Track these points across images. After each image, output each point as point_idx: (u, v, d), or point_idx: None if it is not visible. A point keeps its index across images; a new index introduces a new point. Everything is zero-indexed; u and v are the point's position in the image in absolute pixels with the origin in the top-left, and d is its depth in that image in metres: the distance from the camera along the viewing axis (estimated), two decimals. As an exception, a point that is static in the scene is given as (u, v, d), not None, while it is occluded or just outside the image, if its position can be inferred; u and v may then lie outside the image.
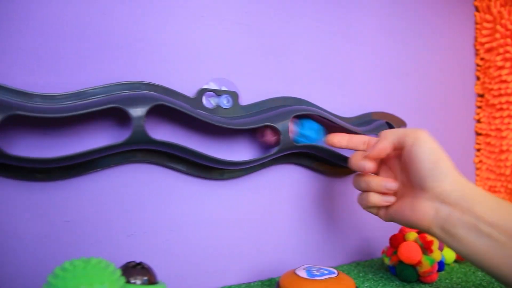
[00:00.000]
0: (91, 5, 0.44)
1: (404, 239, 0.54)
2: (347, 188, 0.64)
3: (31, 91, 0.41)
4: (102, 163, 0.44)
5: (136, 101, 0.41)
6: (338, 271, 0.44)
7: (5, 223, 0.41)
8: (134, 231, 0.48)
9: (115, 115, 0.45)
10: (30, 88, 0.41)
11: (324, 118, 0.55)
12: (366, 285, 0.52)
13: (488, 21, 0.82)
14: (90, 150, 0.39)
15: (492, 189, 0.81)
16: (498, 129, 0.79)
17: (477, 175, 0.83)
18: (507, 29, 0.77)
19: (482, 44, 0.83)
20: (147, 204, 0.48)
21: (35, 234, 0.42)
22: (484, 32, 0.82)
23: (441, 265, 0.54)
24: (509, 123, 0.77)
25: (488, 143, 0.82)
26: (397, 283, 0.53)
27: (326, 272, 0.43)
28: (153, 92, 0.45)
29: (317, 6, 0.61)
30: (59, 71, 0.43)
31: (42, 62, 0.42)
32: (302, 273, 0.43)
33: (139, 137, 0.41)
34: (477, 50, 0.84)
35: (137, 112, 0.40)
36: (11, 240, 0.41)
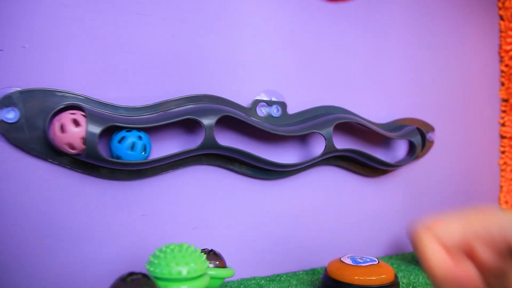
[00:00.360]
0: (163, 30, 0.52)
1: (435, 234, 0.60)
2: (379, 188, 0.70)
3: (117, 104, 0.49)
4: (172, 166, 0.52)
5: (207, 112, 0.48)
6: (378, 259, 0.50)
7: (94, 217, 0.48)
8: (198, 225, 0.55)
9: (183, 124, 0.53)
10: (115, 101, 0.49)
11: (362, 124, 0.62)
12: (400, 275, 0.58)
13: (512, 30, 0.86)
14: (172, 154, 0.47)
15: (516, 189, 0.86)
16: (522, 133, 0.84)
17: (502, 176, 0.88)
18: (530, 38, 0.82)
19: (507, 51, 0.87)
20: (208, 201, 0.55)
21: (118, 226, 0.50)
22: (509, 40, 0.87)
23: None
24: (532, 127, 0.82)
25: (512, 146, 0.86)
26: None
27: (368, 260, 0.50)
28: (216, 105, 0.52)
29: (352, 25, 0.67)
30: (137, 87, 0.51)
31: (124, 79, 0.50)
32: (347, 261, 0.50)
33: (210, 143, 0.48)
34: (501, 57, 0.89)
35: (208, 121, 0.48)
36: (98, 231, 0.49)
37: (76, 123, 0.43)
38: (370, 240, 0.69)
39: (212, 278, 0.42)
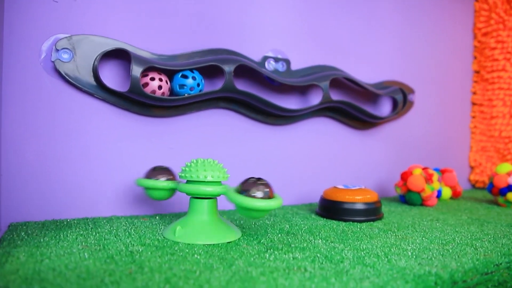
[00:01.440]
0: (190, -8, 0.61)
1: (411, 174, 0.71)
2: (368, 138, 0.81)
3: (153, 52, 0.58)
4: (196, 107, 0.62)
5: (227, 61, 0.58)
6: (365, 186, 0.61)
7: (130, 146, 0.58)
8: (215, 159, 0.65)
9: (205, 73, 0.62)
10: (152, 51, 0.58)
11: (353, 81, 0.72)
12: (383, 207, 0.70)
13: (485, 10, 0.98)
14: (198, 94, 0.57)
15: (484, 149, 0.98)
16: (490, 99, 0.96)
17: (472, 138, 1.00)
18: (500, 17, 0.94)
19: (479, 29, 0.99)
20: (224, 139, 0.65)
21: (149, 156, 0.60)
22: (481, 19, 0.99)
23: (439, 192, 0.71)
24: (498, 94, 0.94)
25: (482, 111, 0.98)
26: (406, 206, 0.71)
27: (357, 186, 0.61)
28: (234, 56, 0.62)
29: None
30: (169, 39, 0.60)
31: (158, 33, 0.59)
32: (340, 186, 0.61)
33: (229, 86, 0.58)
34: (475, 34, 1.00)
35: (228, 68, 0.58)
36: (133, 158, 0.58)
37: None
38: (358, 183, 0.80)
39: (259, 210, 0.41)
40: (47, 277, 0.30)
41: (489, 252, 0.41)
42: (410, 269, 0.35)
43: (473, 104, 1.01)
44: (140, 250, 0.39)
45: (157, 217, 0.56)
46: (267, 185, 0.42)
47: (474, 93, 1.00)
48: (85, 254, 0.37)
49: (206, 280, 0.31)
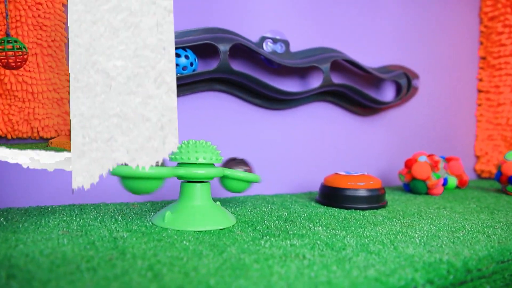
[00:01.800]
0: (183, -33, 0.58)
1: (416, 161, 0.68)
2: (370, 125, 0.78)
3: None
4: (189, 89, 0.58)
5: (223, 40, 0.55)
6: (367, 173, 0.58)
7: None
8: (212, 142, 0.62)
9: (199, 53, 0.59)
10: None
11: (355, 64, 0.69)
12: (386, 196, 0.66)
13: (492, -7, 0.94)
14: (193, 73, 0.53)
15: (490, 137, 0.95)
16: (497, 86, 0.93)
17: (478, 127, 0.97)
18: (507, 0, 0.90)
19: (486, 13, 0.96)
20: (218, 124, 0.62)
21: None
22: (488, 2, 0.95)
23: (445, 181, 0.68)
24: (506, 80, 0.91)
25: (488, 99, 0.95)
26: (411, 195, 0.68)
27: (359, 172, 0.58)
28: (230, 35, 0.59)
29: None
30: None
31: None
32: (341, 173, 0.57)
33: (224, 66, 0.55)
34: (481, 18, 0.97)
35: (224, 47, 0.54)
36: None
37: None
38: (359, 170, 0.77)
39: (240, 180, 0.47)
40: (17, 263, 0.27)
41: (503, 239, 0.38)
42: (419, 257, 0.31)
43: (479, 91, 0.97)
44: (125, 236, 0.36)
45: (147, 204, 0.53)
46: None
47: (480, 79, 0.97)
48: (64, 240, 0.34)
49: (193, 268, 0.27)
